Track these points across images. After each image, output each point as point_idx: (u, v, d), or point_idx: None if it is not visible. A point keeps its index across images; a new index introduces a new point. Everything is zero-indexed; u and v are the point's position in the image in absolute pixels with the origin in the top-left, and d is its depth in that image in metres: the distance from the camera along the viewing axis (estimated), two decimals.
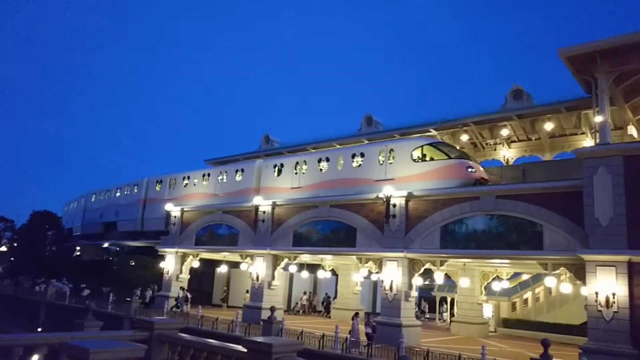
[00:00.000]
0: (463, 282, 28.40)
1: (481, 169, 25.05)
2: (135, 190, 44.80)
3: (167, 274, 35.38)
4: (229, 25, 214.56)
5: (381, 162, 26.30)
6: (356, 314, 22.07)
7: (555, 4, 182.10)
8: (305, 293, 40.10)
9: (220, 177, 35.22)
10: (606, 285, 17.22)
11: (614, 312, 16.96)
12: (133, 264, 43.00)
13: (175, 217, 36.29)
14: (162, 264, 36.46)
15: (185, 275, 35.36)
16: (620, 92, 21.49)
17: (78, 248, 60.08)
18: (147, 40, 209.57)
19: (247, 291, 33.28)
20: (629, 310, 16.84)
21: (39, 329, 34.57)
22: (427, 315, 41.14)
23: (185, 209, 35.94)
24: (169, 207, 36.78)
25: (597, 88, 19.31)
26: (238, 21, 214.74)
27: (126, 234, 46.32)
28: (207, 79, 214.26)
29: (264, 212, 30.00)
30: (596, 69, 19.09)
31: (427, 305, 42.36)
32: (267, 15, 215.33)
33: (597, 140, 19.10)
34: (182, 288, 34.03)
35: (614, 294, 17.03)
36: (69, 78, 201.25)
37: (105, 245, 54.09)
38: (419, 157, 25.09)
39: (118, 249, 57.86)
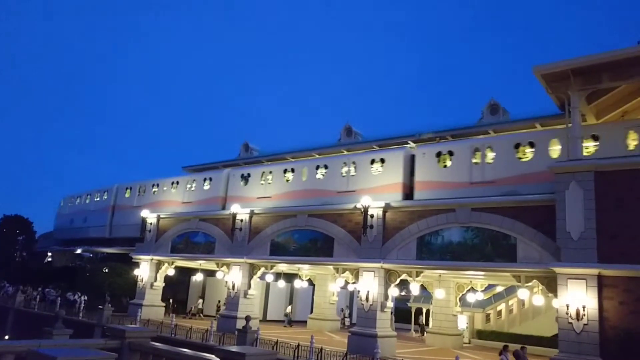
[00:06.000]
0: (438, 294, 28.57)
1: None
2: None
3: (142, 281, 34.80)
4: (209, 28, 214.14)
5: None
6: (505, 347, 19.29)
7: (541, 20, 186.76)
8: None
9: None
10: (577, 297, 17.57)
11: (584, 324, 17.30)
12: (106, 271, 42.31)
13: (151, 223, 35.79)
14: (136, 272, 35.86)
15: (160, 283, 34.89)
16: (593, 110, 22.09)
17: (50, 254, 58.75)
18: (127, 43, 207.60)
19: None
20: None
21: (6, 337, 33.60)
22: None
23: (161, 216, 35.46)
24: (144, 213, 36.25)
25: (570, 105, 19.79)
26: (218, 25, 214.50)
27: (97, 240, 45.72)
28: (186, 84, 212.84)
29: (242, 221, 29.81)
30: (569, 86, 19.56)
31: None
32: (247, 19, 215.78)
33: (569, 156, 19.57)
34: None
35: (584, 307, 17.39)
36: (48, 82, 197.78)
37: (78, 251, 53.08)
38: None
39: (91, 255, 56.79)
